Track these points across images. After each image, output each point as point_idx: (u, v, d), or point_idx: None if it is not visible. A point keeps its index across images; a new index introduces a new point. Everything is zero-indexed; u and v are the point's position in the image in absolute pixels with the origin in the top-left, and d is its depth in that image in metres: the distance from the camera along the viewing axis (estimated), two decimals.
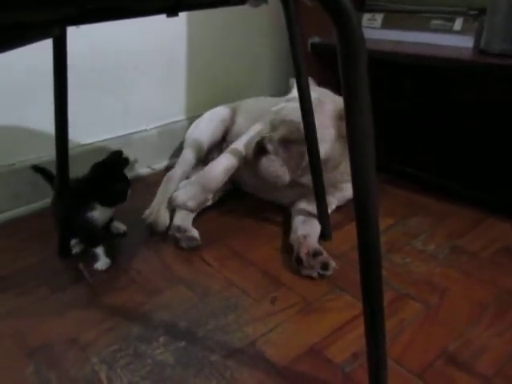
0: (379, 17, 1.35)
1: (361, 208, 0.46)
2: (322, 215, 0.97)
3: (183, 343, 0.73)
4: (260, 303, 0.81)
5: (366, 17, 1.37)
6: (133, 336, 0.75)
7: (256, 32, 1.50)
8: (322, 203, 0.95)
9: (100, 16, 0.42)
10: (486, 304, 0.78)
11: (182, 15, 1.33)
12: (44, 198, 1.14)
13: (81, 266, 0.94)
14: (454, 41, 1.20)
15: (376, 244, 0.46)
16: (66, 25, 0.42)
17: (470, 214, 1.05)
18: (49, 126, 1.10)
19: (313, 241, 0.91)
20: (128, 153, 1.29)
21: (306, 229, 0.95)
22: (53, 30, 0.61)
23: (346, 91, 0.41)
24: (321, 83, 1.40)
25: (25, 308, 0.83)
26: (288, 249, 0.94)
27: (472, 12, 1.17)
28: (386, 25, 1.34)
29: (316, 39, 1.37)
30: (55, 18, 0.40)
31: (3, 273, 0.93)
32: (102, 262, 0.92)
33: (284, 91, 1.60)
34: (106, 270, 0.92)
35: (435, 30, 1.24)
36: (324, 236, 0.95)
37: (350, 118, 0.44)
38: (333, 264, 0.86)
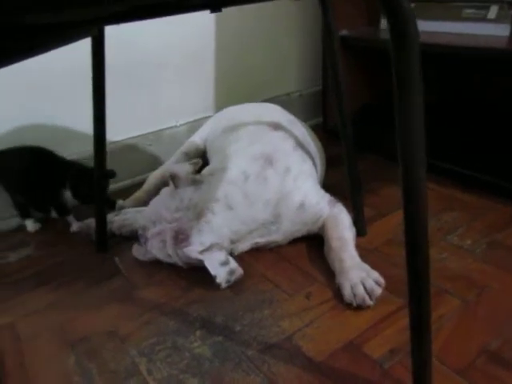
0: None
1: (410, 206, 0.45)
2: (357, 212, 0.95)
3: (220, 337, 0.74)
4: (294, 298, 0.81)
5: None
6: (170, 329, 0.76)
7: (284, 28, 1.49)
8: (357, 199, 0.94)
9: (146, 13, 0.42)
10: None
11: None
12: None
13: (117, 260, 0.96)
14: (488, 30, 1.17)
15: (424, 240, 0.45)
16: (111, 23, 0.42)
17: (507, 208, 1.02)
18: (81, 124, 1.13)
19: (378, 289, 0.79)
20: (158, 150, 1.32)
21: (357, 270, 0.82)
22: (93, 29, 0.62)
23: (398, 86, 0.41)
24: (349, 76, 1.39)
25: (63, 301, 0.85)
26: (321, 245, 0.93)
27: None
28: (416, 15, 1.30)
29: (345, 32, 1.36)
30: (103, 16, 0.40)
31: (41, 267, 0.96)
32: None
33: (312, 86, 1.60)
34: (143, 266, 0.93)
35: (468, 19, 1.21)
36: (359, 232, 0.94)
37: (401, 117, 0.43)
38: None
